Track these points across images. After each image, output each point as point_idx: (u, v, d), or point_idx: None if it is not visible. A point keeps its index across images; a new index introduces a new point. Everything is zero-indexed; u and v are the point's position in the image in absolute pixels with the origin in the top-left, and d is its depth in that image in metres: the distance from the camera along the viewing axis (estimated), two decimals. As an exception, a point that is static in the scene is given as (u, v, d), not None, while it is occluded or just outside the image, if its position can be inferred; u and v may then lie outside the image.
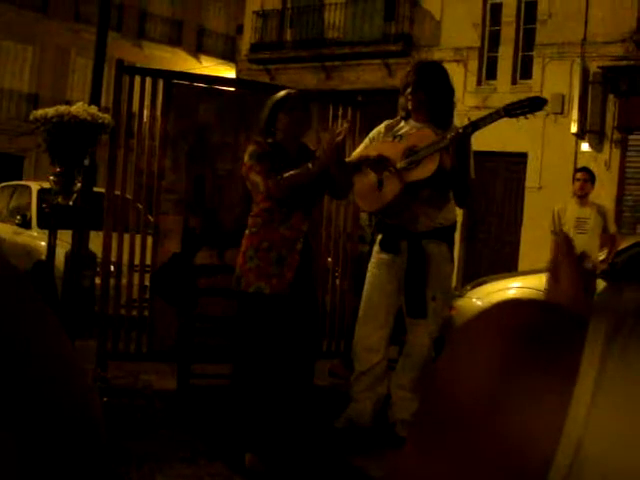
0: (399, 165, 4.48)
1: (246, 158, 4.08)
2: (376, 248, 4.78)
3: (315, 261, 4.58)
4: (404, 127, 4.67)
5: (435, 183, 4.47)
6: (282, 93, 4.21)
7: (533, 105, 4.19)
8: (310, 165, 3.98)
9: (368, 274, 4.80)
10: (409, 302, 4.61)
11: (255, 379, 3.99)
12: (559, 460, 0.49)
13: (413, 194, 4.51)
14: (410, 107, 4.61)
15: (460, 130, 4.30)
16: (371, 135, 4.81)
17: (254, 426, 3.98)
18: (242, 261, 4.09)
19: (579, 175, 7.59)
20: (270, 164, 3.98)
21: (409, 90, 4.59)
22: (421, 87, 4.55)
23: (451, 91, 4.71)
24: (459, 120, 5.12)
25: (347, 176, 4.23)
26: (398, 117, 4.79)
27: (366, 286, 4.79)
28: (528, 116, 4.16)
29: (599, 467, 0.48)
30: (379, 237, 4.75)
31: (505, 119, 4.26)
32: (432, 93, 4.55)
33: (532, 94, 15.42)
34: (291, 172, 3.95)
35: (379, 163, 4.51)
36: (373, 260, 4.78)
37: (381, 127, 4.78)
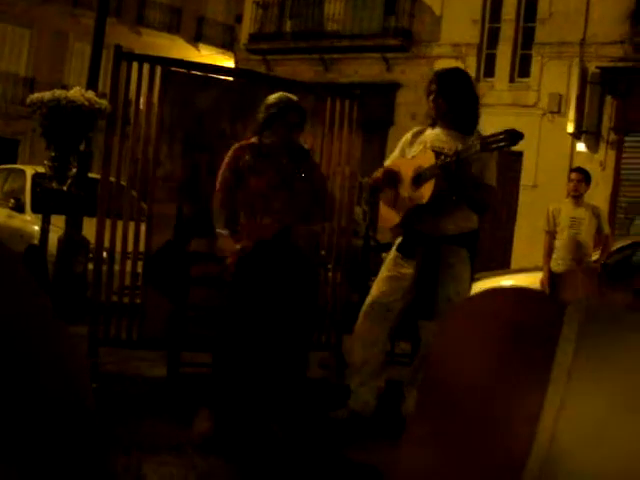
0: (407, 190, 4.62)
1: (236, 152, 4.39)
2: (393, 249, 4.80)
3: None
4: (429, 134, 4.72)
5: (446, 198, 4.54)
6: (278, 98, 4.38)
7: (509, 139, 4.20)
8: (221, 232, 4.35)
9: (381, 268, 4.82)
10: (419, 303, 4.62)
11: (237, 361, 4.07)
12: (535, 453, 0.48)
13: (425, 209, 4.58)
14: (434, 114, 4.68)
15: (447, 159, 4.35)
16: (401, 143, 4.90)
17: (235, 414, 4.05)
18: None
19: (573, 175, 7.58)
20: (234, 178, 4.34)
21: (432, 97, 4.64)
22: (442, 95, 4.60)
23: (474, 97, 4.73)
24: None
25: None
26: (426, 124, 4.86)
27: (376, 280, 4.81)
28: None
29: (572, 461, 0.47)
30: (398, 240, 4.76)
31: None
32: (453, 100, 4.58)
33: (530, 93, 15.57)
34: (220, 215, 4.37)
35: (390, 180, 4.70)
36: (389, 257, 4.81)
37: (409, 135, 4.87)
